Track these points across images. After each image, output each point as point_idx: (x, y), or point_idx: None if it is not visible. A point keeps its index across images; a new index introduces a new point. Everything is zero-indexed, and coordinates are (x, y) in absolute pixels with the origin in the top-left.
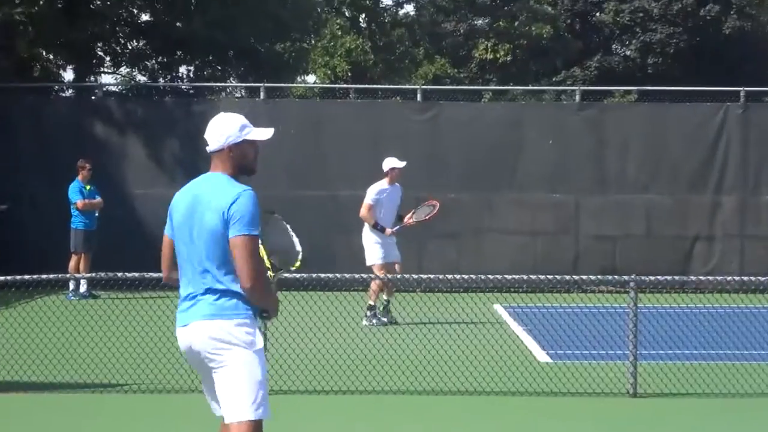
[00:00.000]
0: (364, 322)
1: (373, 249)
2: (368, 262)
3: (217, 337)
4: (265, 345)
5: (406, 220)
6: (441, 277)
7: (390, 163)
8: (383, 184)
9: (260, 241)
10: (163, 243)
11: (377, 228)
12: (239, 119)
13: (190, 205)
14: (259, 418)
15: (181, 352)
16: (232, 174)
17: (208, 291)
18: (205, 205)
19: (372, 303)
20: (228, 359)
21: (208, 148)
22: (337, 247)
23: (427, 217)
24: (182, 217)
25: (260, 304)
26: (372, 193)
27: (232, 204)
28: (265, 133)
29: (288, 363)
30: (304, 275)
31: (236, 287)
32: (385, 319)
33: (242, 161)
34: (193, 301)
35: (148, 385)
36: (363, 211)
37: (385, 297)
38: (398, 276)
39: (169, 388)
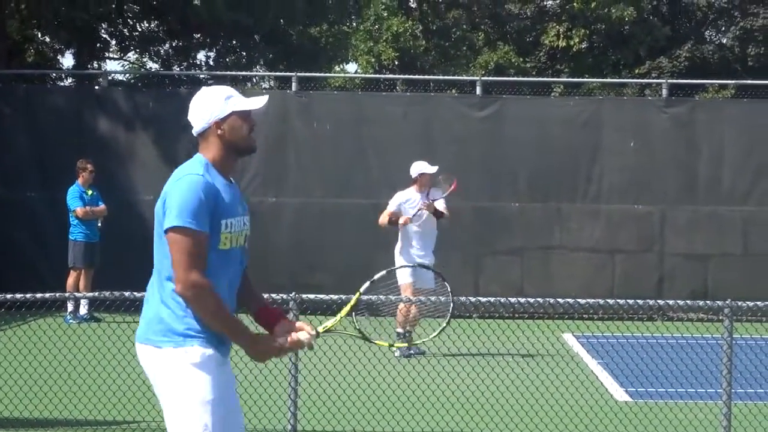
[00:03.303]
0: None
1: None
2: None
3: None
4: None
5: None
6: (502, 300)
7: (418, 167)
8: (410, 192)
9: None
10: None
11: (391, 221)
12: (223, 90)
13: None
14: None
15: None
16: (220, 157)
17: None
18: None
19: (400, 330)
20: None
21: (193, 131)
22: (380, 264)
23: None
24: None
25: (210, 326)
26: (395, 200)
27: (169, 190)
28: (256, 102)
29: (317, 401)
30: (341, 297)
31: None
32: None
33: (234, 138)
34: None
35: (159, 422)
36: (381, 218)
37: (407, 327)
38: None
39: None
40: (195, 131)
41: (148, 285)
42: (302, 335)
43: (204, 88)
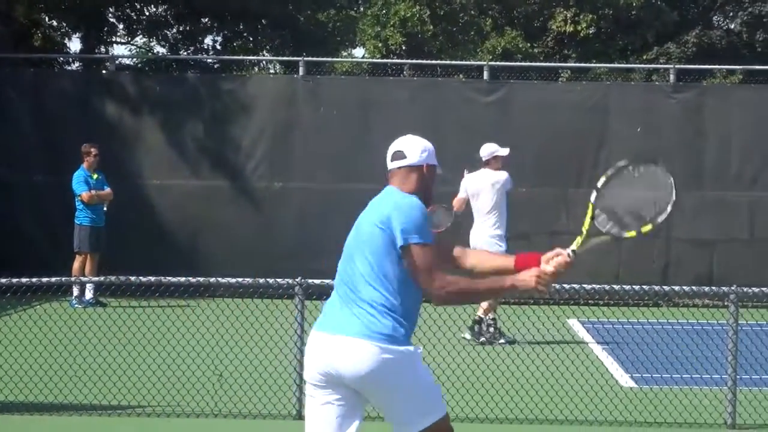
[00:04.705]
0: (467, 336)
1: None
2: None
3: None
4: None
5: None
6: None
7: (490, 149)
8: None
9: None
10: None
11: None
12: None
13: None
14: None
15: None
16: (416, 192)
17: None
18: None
19: (481, 316)
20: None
21: (399, 162)
22: None
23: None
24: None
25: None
26: (464, 184)
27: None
28: (438, 169)
29: None
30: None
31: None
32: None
33: (429, 184)
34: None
35: (164, 407)
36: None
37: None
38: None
39: (189, 412)
40: (401, 163)
41: (359, 289)
42: (560, 259)
43: (415, 136)
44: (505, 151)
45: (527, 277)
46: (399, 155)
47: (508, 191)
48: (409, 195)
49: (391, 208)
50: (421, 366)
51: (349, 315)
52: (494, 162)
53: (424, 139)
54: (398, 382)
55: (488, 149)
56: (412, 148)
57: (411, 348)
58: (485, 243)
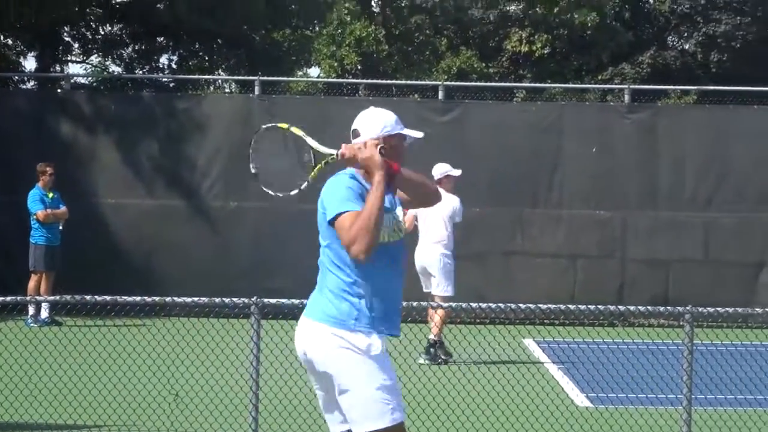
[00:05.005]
0: (422, 360)
1: (451, 276)
2: (442, 292)
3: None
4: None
5: None
6: (463, 305)
7: (443, 169)
8: None
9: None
10: None
11: None
12: (393, 114)
13: None
14: None
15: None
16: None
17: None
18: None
19: (434, 339)
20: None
21: (357, 139)
22: None
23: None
24: None
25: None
26: None
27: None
28: (416, 133)
29: (279, 406)
30: (303, 301)
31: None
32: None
33: (391, 156)
34: None
35: (120, 426)
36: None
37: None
38: (413, 304)
39: (144, 431)
40: (360, 139)
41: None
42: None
43: (374, 108)
44: (457, 172)
45: (373, 171)
46: (355, 134)
47: (457, 223)
48: (343, 173)
49: (324, 192)
50: (381, 365)
51: (317, 300)
52: (446, 182)
53: (382, 111)
54: (349, 372)
55: (440, 169)
56: (366, 124)
57: (366, 339)
58: (435, 260)
